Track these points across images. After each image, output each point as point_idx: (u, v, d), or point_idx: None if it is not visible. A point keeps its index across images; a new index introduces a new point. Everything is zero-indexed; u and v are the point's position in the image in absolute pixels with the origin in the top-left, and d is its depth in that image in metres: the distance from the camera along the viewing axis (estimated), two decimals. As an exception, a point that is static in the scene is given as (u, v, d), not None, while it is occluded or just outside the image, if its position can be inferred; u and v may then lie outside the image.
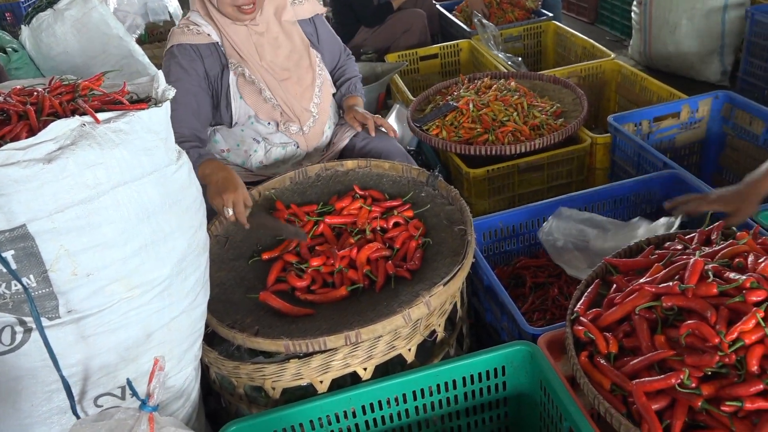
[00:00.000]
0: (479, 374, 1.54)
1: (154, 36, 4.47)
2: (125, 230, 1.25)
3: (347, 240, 1.79)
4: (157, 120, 1.30)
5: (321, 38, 2.37)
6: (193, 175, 1.43)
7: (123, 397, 1.35)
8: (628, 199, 2.17)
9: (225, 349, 1.60)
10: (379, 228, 1.82)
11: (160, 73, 1.41)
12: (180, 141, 2.01)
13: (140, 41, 4.33)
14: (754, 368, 1.23)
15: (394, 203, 1.88)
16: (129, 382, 1.24)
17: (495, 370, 1.55)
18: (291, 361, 1.47)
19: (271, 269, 1.74)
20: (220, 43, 2.12)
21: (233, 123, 2.15)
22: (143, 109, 1.28)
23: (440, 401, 1.56)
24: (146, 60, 3.42)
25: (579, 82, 3.24)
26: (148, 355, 1.35)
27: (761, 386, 1.20)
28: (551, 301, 1.99)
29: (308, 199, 2.01)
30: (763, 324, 1.24)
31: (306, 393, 1.54)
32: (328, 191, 2.02)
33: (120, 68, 3.05)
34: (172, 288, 1.37)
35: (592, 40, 3.59)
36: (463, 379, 1.54)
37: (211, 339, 1.65)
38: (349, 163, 2.08)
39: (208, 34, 2.11)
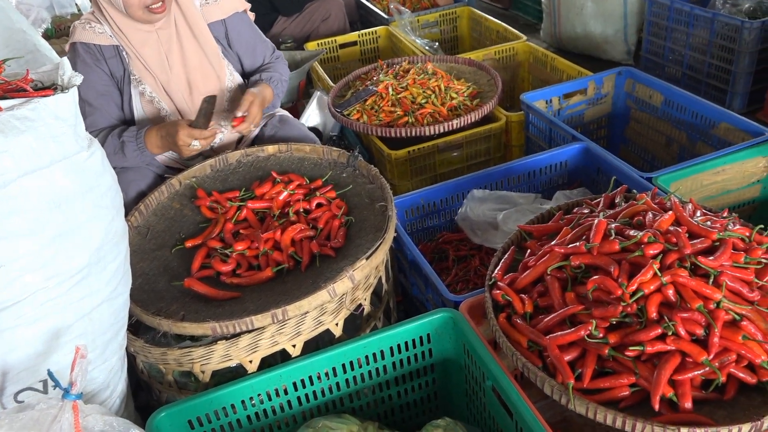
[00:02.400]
0: (405, 343, 1.59)
1: (61, 30, 4.28)
2: (37, 219, 1.22)
3: (271, 223, 1.80)
4: (65, 106, 1.27)
5: (236, 39, 2.24)
6: (107, 163, 1.41)
7: (45, 391, 1.33)
8: (541, 171, 2.28)
9: (151, 338, 1.59)
10: (302, 210, 1.84)
11: (66, 60, 1.38)
12: (110, 133, 1.98)
13: (47, 36, 4.14)
14: (653, 315, 1.33)
15: (316, 185, 1.91)
16: (50, 373, 1.22)
17: (420, 338, 1.61)
18: (219, 343, 1.48)
19: (195, 256, 1.74)
20: (121, 47, 2.05)
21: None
22: (49, 95, 1.25)
23: (369, 372, 1.60)
24: (53, 54, 3.28)
25: (494, 65, 3.35)
26: (70, 347, 1.32)
27: (660, 330, 1.30)
28: (473, 272, 2.07)
29: (230, 185, 2.01)
30: (659, 274, 1.34)
31: (236, 375, 1.55)
32: (250, 177, 2.02)
33: (21, 56, 2.91)
34: (91, 277, 1.35)
35: (504, 24, 3.71)
36: (390, 349, 1.59)
37: (136, 329, 1.63)
38: (270, 148, 2.09)
39: (110, 36, 2.03)
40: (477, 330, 1.55)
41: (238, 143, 2.26)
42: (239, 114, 2.00)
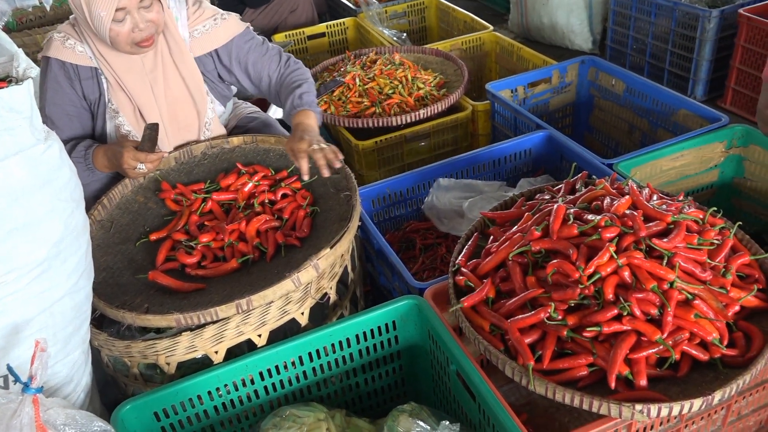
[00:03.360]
0: (371, 331, 1.61)
1: (23, 23, 4.19)
2: (-7, 213, 1.21)
3: (237, 215, 1.80)
4: (19, 99, 1.26)
5: (234, 65, 2.05)
6: (65, 156, 1.40)
7: (6, 387, 1.31)
8: (506, 159, 2.31)
9: (116, 331, 1.58)
10: (267, 201, 1.84)
11: (21, 52, 1.36)
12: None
13: (7, 29, 4.05)
14: (610, 296, 1.36)
15: (281, 176, 1.91)
16: (10, 368, 1.20)
17: (386, 325, 1.62)
18: (183, 334, 1.48)
19: (159, 249, 1.73)
20: (99, 71, 1.92)
21: None
22: (2, 87, 1.24)
23: (336, 360, 1.62)
24: (15, 48, 3.21)
25: (461, 55, 3.37)
26: (31, 341, 1.31)
27: (616, 311, 1.33)
28: (440, 260, 2.09)
29: (195, 178, 1.99)
30: (615, 256, 1.37)
31: (203, 366, 1.55)
32: (215, 169, 2.01)
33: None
34: (51, 271, 1.34)
35: (472, 15, 3.73)
36: (357, 336, 1.60)
37: (100, 323, 1.62)
38: (235, 140, 2.08)
39: (90, 57, 1.91)
40: (441, 316, 1.57)
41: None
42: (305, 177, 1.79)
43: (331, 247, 1.58)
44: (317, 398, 1.65)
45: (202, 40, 2.00)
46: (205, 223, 1.80)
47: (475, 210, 2.07)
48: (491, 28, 3.46)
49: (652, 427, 1.40)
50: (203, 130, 2.08)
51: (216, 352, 1.53)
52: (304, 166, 1.76)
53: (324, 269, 1.58)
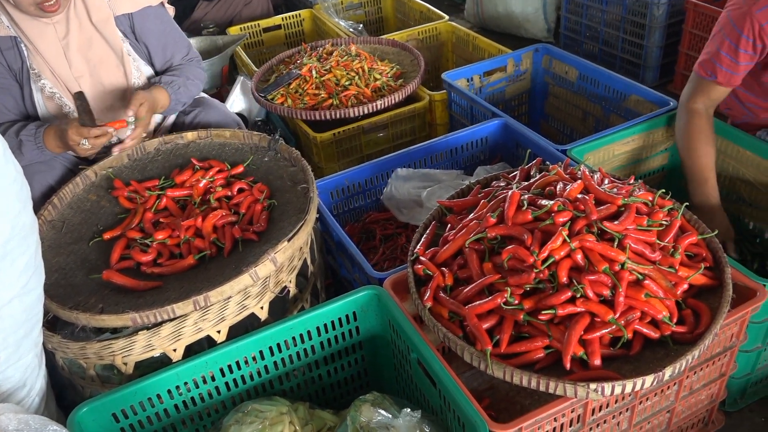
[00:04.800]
0: (332, 322, 1.61)
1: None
2: (-67, 216, 1.17)
3: (193, 211, 1.78)
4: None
5: (143, 34, 2.11)
6: (9, 154, 1.35)
7: (-45, 394, 1.28)
8: (463, 148, 2.33)
9: (70, 333, 1.55)
10: (224, 196, 1.82)
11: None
12: (8, 130, 1.89)
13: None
14: (564, 279, 1.38)
15: (237, 170, 1.89)
16: (-43, 375, 1.17)
17: (346, 316, 1.63)
18: (140, 333, 1.46)
19: (113, 248, 1.69)
20: (19, 39, 1.93)
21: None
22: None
23: (298, 353, 1.61)
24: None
25: (418, 45, 3.37)
26: (-21, 346, 1.28)
27: (570, 294, 1.36)
28: (400, 250, 2.10)
29: (149, 174, 1.96)
30: (568, 240, 1.40)
31: (161, 365, 1.52)
32: (170, 165, 1.98)
33: None
34: (-2, 273, 1.30)
35: (427, 5, 3.74)
36: (317, 329, 1.60)
37: (53, 325, 1.59)
38: (189, 135, 2.05)
39: (8, 26, 1.91)
40: (401, 305, 1.58)
41: (155, 132, 2.21)
42: (129, 117, 1.89)
43: (289, 240, 1.57)
44: (280, 392, 1.65)
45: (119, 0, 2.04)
46: (160, 220, 1.77)
47: (434, 199, 2.08)
48: (447, 18, 3.47)
49: (608, 405, 1.44)
50: (132, 92, 2.06)
51: (174, 350, 1.51)
52: (134, 105, 1.89)
53: (282, 263, 1.57)
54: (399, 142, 2.76)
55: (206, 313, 1.49)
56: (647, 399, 1.51)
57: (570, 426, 1.41)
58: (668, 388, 1.53)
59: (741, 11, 1.84)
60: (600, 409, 1.44)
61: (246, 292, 1.54)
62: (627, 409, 1.49)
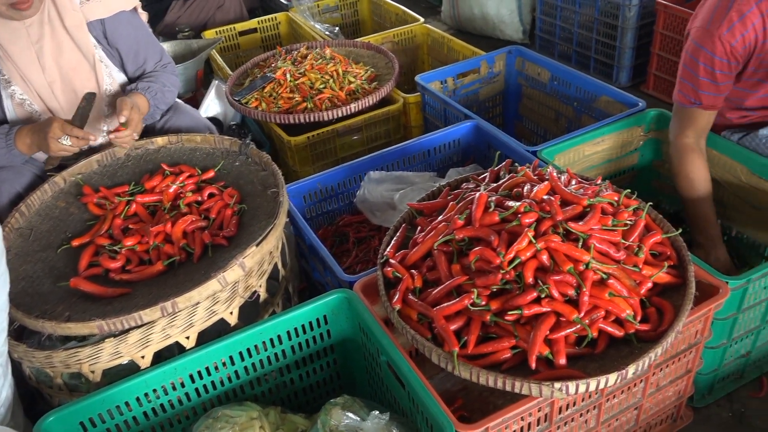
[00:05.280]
0: (303, 326, 1.61)
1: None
2: None
3: (162, 217, 1.77)
4: None
5: (116, 40, 2.10)
6: (-30, 163, 1.34)
7: None
8: (436, 150, 2.34)
9: (36, 342, 1.54)
10: (194, 201, 1.82)
11: None
12: None
13: None
14: (530, 279, 1.40)
15: (207, 175, 1.89)
16: None
17: (317, 320, 1.63)
18: (107, 340, 1.45)
19: (82, 255, 1.68)
20: None
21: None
22: None
23: (268, 358, 1.61)
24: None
25: (393, 48, 3.38)
26: (-59, 357, 1.26)
27: (535, 294, 1.37)
28: (373, 252, 2.11)
29: (119, 180, 1.95)
30: (533, 241, 1.41)
31: (130, 372, 1.52)
32: (140, 171, 1.97)
33: None
34: (-40, 283, 1.29)
35: (403, 7, 3.75)
36: (288, 333, 1.60)
37: (20, 334, 1.57)
38: (160, 140, 2.04)
39: None
40: (370, 308, 1.59)
41: None
42: (122, 120, 1.89)
43: (257, 245, 1.57)
44: (252, 397, 1.65)
45: (93, 5, 2.02)
46: (130, 226, 1.76)
47: (406, 201, 2.09)
48: (422, 20, 3.49)
49: (574, 403, 1.46)
50: (104, 98, 2.08)
51: (142, 357, 1.51)
52: (125, 110, 1.90)
53: (251, 267, 1.57)
54: (374, 144, 2.77)
55: (174, 320, 1.49)
56: (614, 396, 1.53)
57: (537, 425, 1.43)
58: (635, 385, 1.55)
59: (708, 34, 1.85)
60: (567, 408, 1.45)
61: (215, 297, 1.54)
62: (594, 407, 1.50)
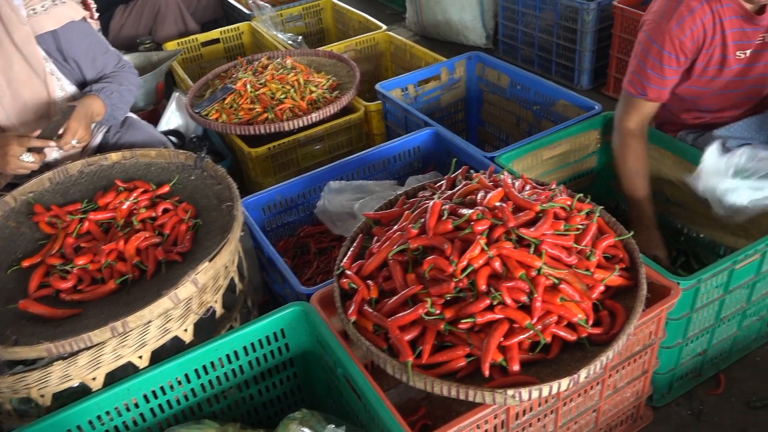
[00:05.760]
0: (260, 341, 1.60)
1: None
2: None
3: (116, 234, 1.74)
4: None
5: (71, 50, 2.09)
6: None
7: None
8: (395, 159, 2.34)
9: (-17, 367, 1.50)
10: (148, 217, 1.79)
11: None
12: None
13: None
14: (483, 287, 1.40)
15: (162, 190, 1.86)
16: None
17: (275, 334, 1.61)
18: (55, 363, 1.42)
19: (32, 275, 1.65)
20: None
21: None
22: None
23: (226, 374, 1.59)
24: None
25: (356, 56, 3.39)
26: None
27: (488, 301, 1.37)
28: (334, 263, 2.09)
29: (72, 198, 1.91)
30: (486, 248, 1.42)
31: (83, 394, 1.49)
32: (94, 187, 1.94)
33: None
34: None
35: (366, 15, 3.75)
36: (245, 348, 1.58)
37: (-33, 360, 1.53)
38: (114, 156, 2.01)
39: None
40: (327, 320, 1.58)
41: (81, 153, 2.16)
42: (60, 131, 1.88)
43: (210, 261, 1.55)
44: (210, 414, 1.62)
45: (41, 18, 2.00)
46: (82, 245, 1.73)
47: (366, 210, 2.08)
48: (384, 27, 3.49)
49: (531, 409, 1.46)
50: (56, 111, 2.05)
51: (94, 379, 1.48)
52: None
53: (205, 283, 1.55)
54: (336, 153, 2.76)
55: (125, 339, 1.46)
56: (571, 400, 1.53)
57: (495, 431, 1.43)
58: (591, 388, 1.56)
59: (659, 28, 1.90)
60: (524, 414, 1.46)
61: (167, 315, 1.52)
62: (551, 411, 1.51)
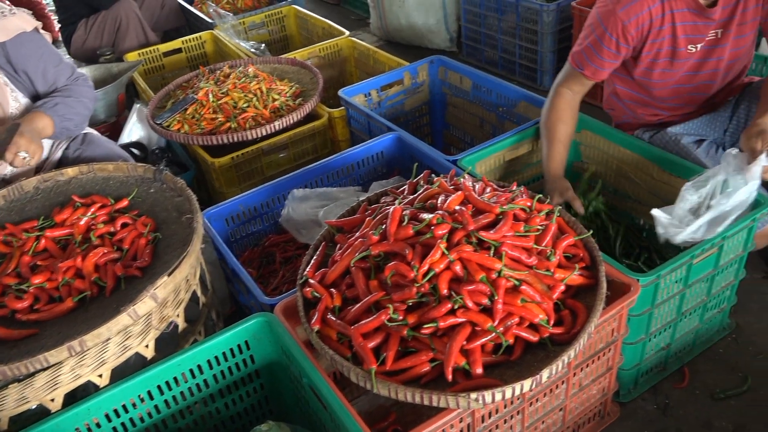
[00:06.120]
0: (224, 354, 1.58)
1: None
2: None
3: (74, 251, 1.71)
4: None
5: (21, 62, 2.06)
6: None
7: None
8: (359, 164, 2.34)
9: (-63, 393, 1.45)
10: (107, 232, 1.76)
11: None
12: None
13: None
14: (444, 291, 1.40)
15: (121, 204, 1.83)
16: None
17: (239, 346, 1.60)
18: (10, 386, 1.38)
19: (-14, 296, 1.61)
20: None
21: None
22: None
23: (190, 389, 1.57)
24: None
25: (320, 62, 3.38)
26: None
27: (450, 305, 1.38)
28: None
29: (28, 215, 1.87)
30: (446, 252, 1.42)
31: (42, 416, 1.45)
32: (50, 204, 1.90)
33: None
34: None
35: (329, 21, 3.75)
36: (209, 361, 1.56)
37: None
38: (70, 171, 1.98)
39: None
40: (291, 330, 1.56)
41: (38, 170, 2.12)
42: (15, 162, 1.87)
43: (169, 275, 1.53)
44: (176, 430, 1.60)
45: None
46: (38, 263, 1.69)
47: (331, 217, 2.07)
48: (347, 33, 3.49)
49: (497, 411, 1.47)
50: (10, 123, 2.00)
51: (52, 400, 1.45)
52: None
53: (165, 298, 1.53)
54: (302, 161, 2.75)
55: (83, 358, 1.43)
56: (537, 400, 1.54)
57: (461, 435, 1.43)
58: (557, 387, 1.57)
59: (607, 9, 1.92)
60: (490, 416, 1.46)
61: (127, 332, 1.49)
62: (518, 412, 1.52)
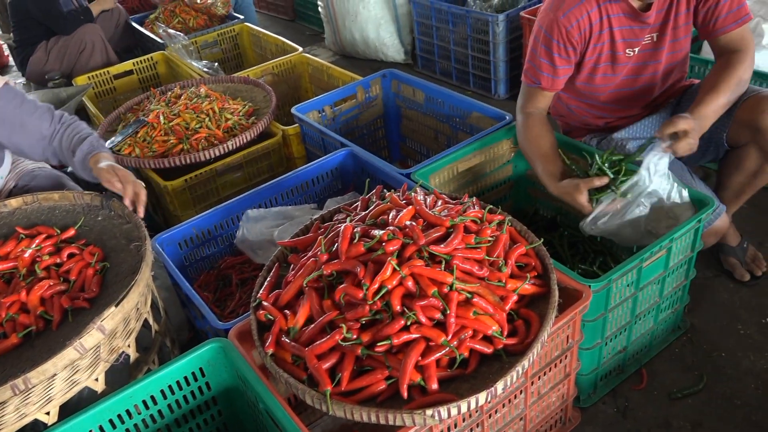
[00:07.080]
0: (177, 382, 1.54)
1: None
2: None
3: (18, 285, 1.66)
4: None
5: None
6: None
7: None
8: (314, 182, 2.32)
9: None
10: (53, 264, 1.71)
11: None
12: None
13: None
14: (397, 308, 1.39)
15: (67, 234, 1.79)
16: None
17: (193, 373, 1.56)
18: (-50, 431, 1.33)
19: (-75, 337, 1.54)
20: None
21: None
22: None
23: (144, 421, 1.53)
24: None
25: (274, 79, 3.37)
26: None
27: (403, 322, 1.37)
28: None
29: (-31, 249, 1.81)
30: (398, 268, 1.41)
31: (-13, 459, 1.40)
32: (-7, 237, 1.84)
33: None
34: None
35: (282, 38, 3.74)
36: (162, 391, 1.53)
37: None
38: (14, 202, 1.92)
39: None
40: (246, 355, 1.54)
41: None
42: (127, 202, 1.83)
43: (117, 305, 1.49)
44: (132, 464, 1.55)
45: None
46: (-20, 299, 1.63)
47: (286, 237, 2.06)
48: (300, 49, 3.49)
49: (455, 425, 1.46)
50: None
51: (-3, 442, 1.39)
52: (128, 189, 1.82)
53: (113, 329, 1.49)
54: (257, 180, 2.72)
55: (28, 397, 1.38)
56: (496, 411, 1.54)
57: (421, 452, 1.42)
58: (515, 397, 1.57)
59: (548, 18, 1.95)
60: (449, 430, 1.45)
61: (74, 366, 1.44)
62: (477, 425, 1.51)
